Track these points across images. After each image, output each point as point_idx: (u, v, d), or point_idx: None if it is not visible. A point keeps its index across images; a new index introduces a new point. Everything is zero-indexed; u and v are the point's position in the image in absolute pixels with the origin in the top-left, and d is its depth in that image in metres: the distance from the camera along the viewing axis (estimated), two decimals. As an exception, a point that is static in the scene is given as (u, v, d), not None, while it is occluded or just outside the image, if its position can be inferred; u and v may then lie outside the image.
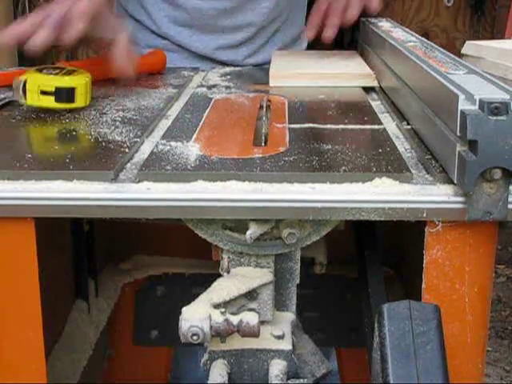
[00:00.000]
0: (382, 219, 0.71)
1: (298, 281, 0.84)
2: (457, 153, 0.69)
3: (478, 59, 1.49)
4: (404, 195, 0.71)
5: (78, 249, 1.14)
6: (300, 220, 0.76)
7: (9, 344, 0.78)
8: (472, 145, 0.67)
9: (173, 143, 0.85)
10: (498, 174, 0.67)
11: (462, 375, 0.76)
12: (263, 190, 0.73)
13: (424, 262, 0.74)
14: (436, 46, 1.05)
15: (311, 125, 0.93)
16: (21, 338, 0.78)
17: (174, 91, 1.16)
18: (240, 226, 0.77)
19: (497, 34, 4.08)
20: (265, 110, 1.00)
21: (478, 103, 0.67)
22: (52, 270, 0.97)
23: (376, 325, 0.71)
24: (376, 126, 0.92)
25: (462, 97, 0.69)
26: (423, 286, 0.75)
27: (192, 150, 0.82)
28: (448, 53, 0.97)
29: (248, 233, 0.75)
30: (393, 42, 1.10)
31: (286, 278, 0.84)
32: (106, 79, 1.23)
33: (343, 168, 0.75)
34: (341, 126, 0.92)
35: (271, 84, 1.18)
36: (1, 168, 0.76)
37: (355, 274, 1.06)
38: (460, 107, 0.68)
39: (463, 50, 1.56)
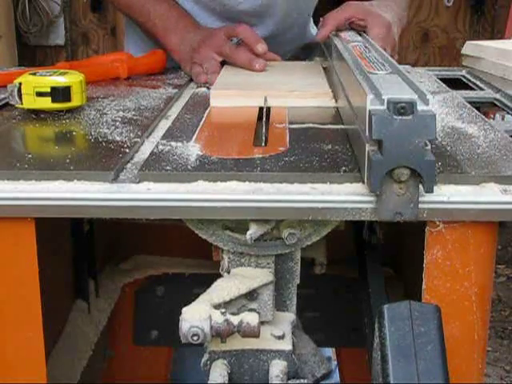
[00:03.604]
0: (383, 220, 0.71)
1: (298, 281, 0.84)
2: (366, 152, 0.69)
3: (478, 59, 1.49)
4: (404, 195, 0.71)
5: (78, 249, 1.14)
6: (300, 220, 0.76)
7: (9, 344, 0.78)
8: (379, 145, 0.67)
9: (173, 143, 0.85)
10: (405, 174, 0.66)
11: (462, 375, 0.76)
12: (263, 190, 0.73)
13: (424, 262, 0.74)
14: (377, 47, 1.03)
15: (311, 125, 0.93)
16: (21, 338, 0.78)
17: (174, 91, 1.16)
18: (240, 226, 0.77)
19: (497, 33, 4.08)
20: (265, 110, 1.00)
21: (385, 103, 0.67)
22: (52, 270, 0.97)
23: (376, 325, 0.71)
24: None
25: (370, 96, 0.68)
26: (423, 286, 0.75)
27: (192, 150, 0.82)
28: (384, 53, 0.96)
29: (248, 233, 0.75)
30: (337, 43, 1.09)
31: (286, 278, 0.84)
32: (105, 79, 1.24)
33: (343, 168, 0.75)
34: (341, 126, 0.92)
35: (212, 104, 1.05)
36: (1, 168, 0.76)
37: (355, 274, 1.06)
38: (368, 107, 0.68)
39: (463, 50, 1.56)
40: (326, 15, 1.31)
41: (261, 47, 1.26)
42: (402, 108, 0.66)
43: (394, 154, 0.66)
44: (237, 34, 1.29)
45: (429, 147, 0.67)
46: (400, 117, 0.65)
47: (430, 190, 0.67)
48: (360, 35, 1.20)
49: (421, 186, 0.68)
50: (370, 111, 0.67)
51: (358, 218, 0.72)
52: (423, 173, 0.66)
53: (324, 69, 1.27)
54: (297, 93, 1.06)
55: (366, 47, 1.03)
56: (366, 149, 0.68)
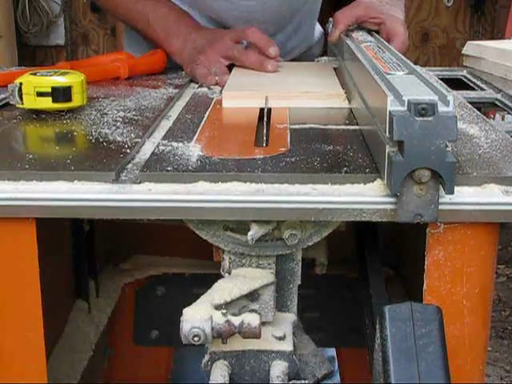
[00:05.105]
0: (384, 220, 0.71)
1: (299, 282, 0.84)
2: (386, 154, 0.68)
3: (479, 59, 1.49)
4: (405, 196, 0.71)
5: (78, 249, 1.14)
6: (301, 221, 0.76)
7: (9, 344, 0.78)
8: (399, 146, 0.67)
9: (174, 144, 0.85)
10: (426, 176, 0.66)
11: (464, 376, 0.76)
12: (264, 191, 0.72)
13: (425, 263, 0.74)
14: (390, 47, 1.03)
15: (312, 125, 0.93)
16: (21, 338, 0.78)
17: (174, 91, 1.16)
18: (241, 227, 0.77)
19: (497, 34, 4.08)
20: (266, 110, 1.00)
21: (406, 104, 0.67)
22: (52, 270, 0.96)
23: (378, 326, 0.71)
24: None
25: (390, 98, 0.68)
26: (424, 287, 0.75)
27: (193, 150, 0.82)
28: (398, 53, 0.95)
29: (249, 234, 0.75)
30: (349, 43, 1.09)
31: (287, 278, 0.84)
32: (106, 79, 1.24)
33: (344, 169, 0.75)
34: (342, 127, 0.92)
35: (224, 105, 1.05)
36: (2, 168, 0.76)
37: (356, 274, 1.06)
38: (388, 108, 0.68)
39: (464, 50, 1.56)
40: (336, 14, 1.28)
41: (273, 50, 1.24)
42: (423, 109, 0.65)
43: (414, 155, 0.66)
44: (246, 37, 1.27)
45: (449, 148, 0.67)
46: (421, 118, 0.65)
47: (450, 192, 0.67)
48: (371, 35, 1.20)
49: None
50: (390, 112, 0.67)
51: (359, 219, 0.72)
52: (444, 174, 0.66)
53: (334, 69, 1.26)
54: (310, 94, 1.05)
55: (378, 47, 1.03)
56: (386, 150, 0.68)
